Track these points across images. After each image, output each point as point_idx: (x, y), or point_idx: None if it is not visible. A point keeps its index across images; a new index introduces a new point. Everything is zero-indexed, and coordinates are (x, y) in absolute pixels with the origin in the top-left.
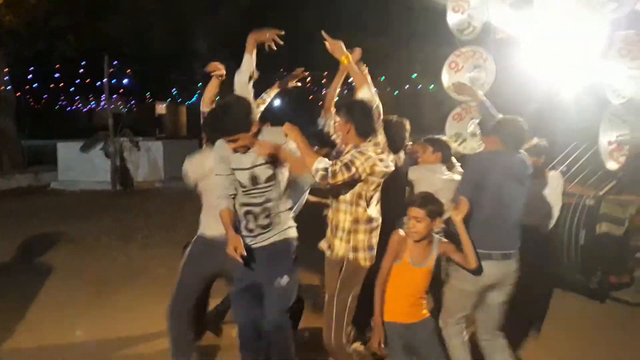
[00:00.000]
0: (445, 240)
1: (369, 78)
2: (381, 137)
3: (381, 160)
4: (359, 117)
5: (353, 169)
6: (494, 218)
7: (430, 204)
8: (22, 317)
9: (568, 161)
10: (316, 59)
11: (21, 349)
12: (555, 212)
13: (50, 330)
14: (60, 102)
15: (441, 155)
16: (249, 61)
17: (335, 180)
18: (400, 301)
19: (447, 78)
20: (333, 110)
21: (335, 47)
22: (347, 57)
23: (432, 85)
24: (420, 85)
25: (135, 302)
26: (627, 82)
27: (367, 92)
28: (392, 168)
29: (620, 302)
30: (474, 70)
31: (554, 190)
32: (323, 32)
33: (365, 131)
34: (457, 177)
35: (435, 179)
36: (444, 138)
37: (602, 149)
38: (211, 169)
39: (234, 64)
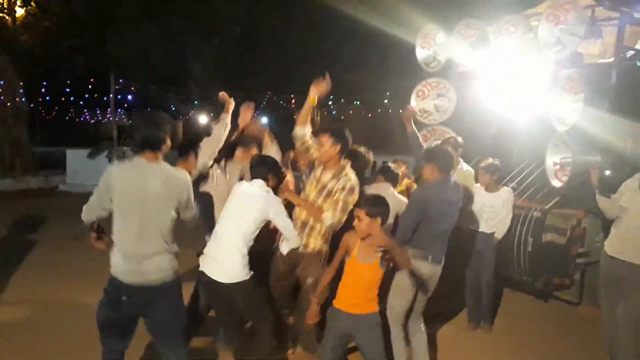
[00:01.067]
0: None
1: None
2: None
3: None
4: (345, 142)
5: (347, 210)
6: (430, 232)
7: (372, 205)
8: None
9: (519, 178)
10: (299, 84)
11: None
12: (507, 223)
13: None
14: (69, 114)
15: (384, 178)
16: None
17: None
18: (349, 292)
19: (414, 104)
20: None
21: (319, 88)
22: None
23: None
24: (391, 110)
25: None
26: (570, 113)
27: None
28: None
29: (562, 301)
30: (437, 98)
31: (506, 203)
32: (327, 76)
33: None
34: (398, 197)
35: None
36: (391, 165)
37: (548, 169)
38: None
39: (226, 85)
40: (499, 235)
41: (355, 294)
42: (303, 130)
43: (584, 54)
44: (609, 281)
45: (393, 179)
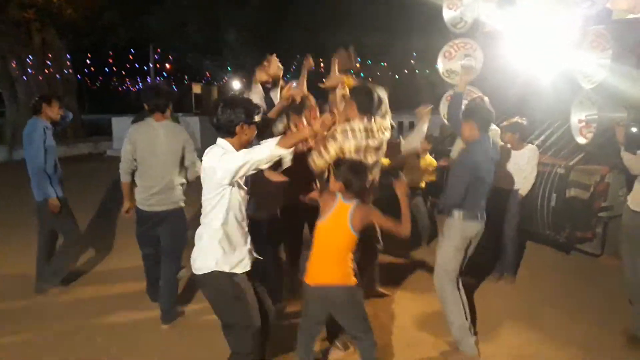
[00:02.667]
0: (363, 205)
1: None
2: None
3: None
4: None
5: (325, 157)
6: (480, 191)
7: (344, 165)
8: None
9: (544, 136)
10: (327, 47)
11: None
12: (531, 180)
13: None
14: (113, 84)
15: None
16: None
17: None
18: (315, 261)
19: (441, 65)
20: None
21: (331, 82)
22: (343, 82)
23: (428, 71)
24: (418, 71)
25: None
26: (597, 70)
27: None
28: None
29: (583, 253)
30: (464, 58)
31: (530, 161)
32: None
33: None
34: None
35: None
36: None
37: (573, 126)
38: None
39: (257, 51)
40: (523, 191)
41: (319, 260)
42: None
43: (613, 9)
44: (631, 234)
45: None
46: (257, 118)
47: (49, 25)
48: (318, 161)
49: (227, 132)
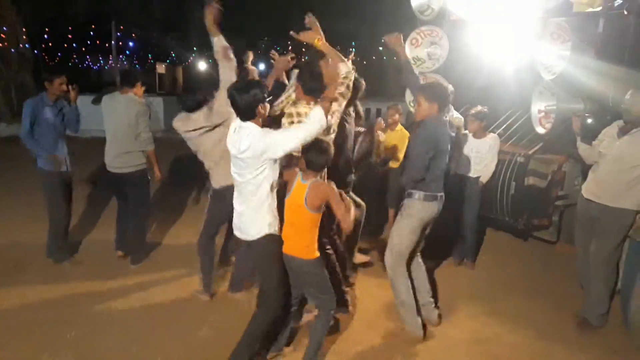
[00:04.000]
0: (321, 182)
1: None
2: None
3: None
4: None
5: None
6: (439, 171)
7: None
8: None
9: (505, 125)
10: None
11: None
12: (492, 168)
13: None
14: (72, 61)
15: None
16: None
17: None
18: (285, 233)
19: (408, 52)
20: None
21: (306, 36)
22: (318, 39)
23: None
24: (385, 57)
25: None
26: (557, 61)
27: (344, 67)
28: None
29: (540, 240)
30: (430, 46)
31: (491, 149)
32: (292, 33)
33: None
34: None
35: None
36: None
37: (533, 116)
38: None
39: (224, 31)
40: (484, 179)
41: (287, 233)
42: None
43: (573, 2)
44: (585, 221)
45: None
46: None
47: None
48: None
49: (251, 115)
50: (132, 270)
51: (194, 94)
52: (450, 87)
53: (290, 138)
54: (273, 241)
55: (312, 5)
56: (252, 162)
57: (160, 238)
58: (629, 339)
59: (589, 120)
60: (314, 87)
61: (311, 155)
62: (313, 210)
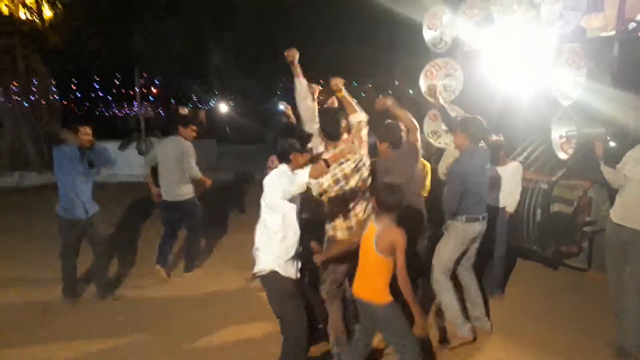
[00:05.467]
0: (394, 227)
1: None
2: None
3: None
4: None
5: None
6: (474, 198)
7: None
8: None
9: (525, 152)
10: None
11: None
12: (516, 196)
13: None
14: (99, 109)
15: None
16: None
17: None
18: (357, 274)
19: (423, 84)
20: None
21: (336, 83)
22: (341, 90)
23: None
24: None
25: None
26: (574, 87)
27: (359, 116)
28: None
29: (571, 268)
30: (446, 78)
31: (514, 177)
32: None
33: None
34: None
35: None
36: None
37: (554, 142)
38: None
39: (241, 73)
40: (510, 208)
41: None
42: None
43: (587, 27)
44: (615, 247)
45: None
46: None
47: (34, 52)
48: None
49: (285, 159)
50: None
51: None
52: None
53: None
54: (281, 278)
55: (329, 42)
56: (269, 196)
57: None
58: None
59: (611, 144)
60: (333, 134)
61: (382, 195)
62: (382, 254)
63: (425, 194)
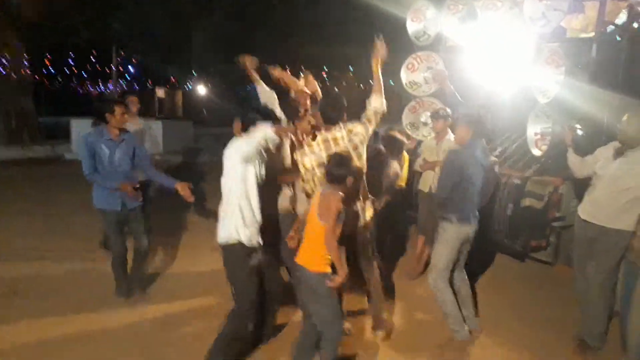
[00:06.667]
0: (331, 192)
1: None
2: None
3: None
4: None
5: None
6: (469, 194)
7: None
8: None
9: (501, 148)
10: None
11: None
12: (489, 191)
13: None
14: (73, 85)
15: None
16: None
17: None
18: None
19: (404, 76)
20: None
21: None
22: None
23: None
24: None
25: None
26: (551, 85)
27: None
28: None
29: (538, 261)
30: (427, 70)
31: (489, 173)
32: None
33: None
34: None
35: None
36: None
37: (529, 139)
38: None
39: (223, 58)
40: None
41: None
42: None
43: (567, 28)
44: (581, 243)
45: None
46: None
47: (7, 26)
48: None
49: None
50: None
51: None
52: (448, 110)
53: None
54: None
55: (311, 32)
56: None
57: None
58: None
59: (580, 132)
60: (334, 116)
61: (330, 167)
62: (322, 220)
63: (403, 184)
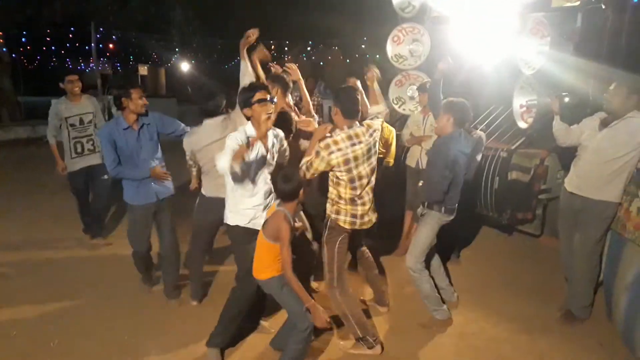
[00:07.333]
0: (279, 213)
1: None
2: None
3: (339, 149)
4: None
5: (312, 170)
6: (455, 186)
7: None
8: None
9: (487, 121)
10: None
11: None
12: (475, 164)
13: None
14: (52, 64)
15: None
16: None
17: (307, 176)
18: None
19: (390, 49)
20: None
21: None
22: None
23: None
24: (368, 55)
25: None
26: (537, 57)
27: (379, 107)
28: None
29: (524, 234)
30: (412, 43)
31: (477, 146)
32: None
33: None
34: None
35: None
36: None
37: (515, 111)
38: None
39: (204, 31)
40: (468, 176)
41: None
42: None
43: None
44: (567, 214)
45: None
46: None
47: None
48: (307, 174)
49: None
50: None
51: (214, 98)
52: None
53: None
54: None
55: (295, 2)
56: None
57: None
58: (613, 331)
59: (567, 99)
60: (355, 110)
61: (278, 184)
62: (269, 239)
63: (391, 160)
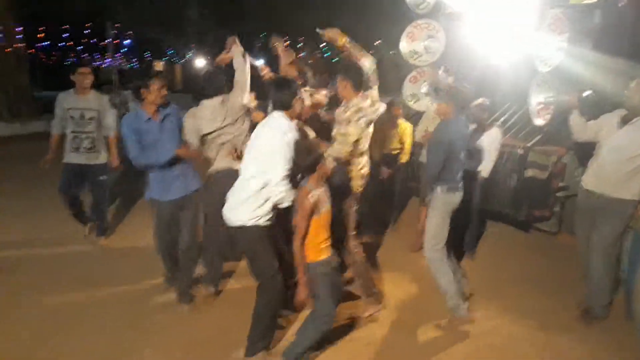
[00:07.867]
0: (303, 188)
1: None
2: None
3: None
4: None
5: (346, 146)
6: (456, 166)
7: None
8: None
9: (503, 118)
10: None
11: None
12: (492, 160)
13: None
14: (69, 59)
15: None
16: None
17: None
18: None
19: (405, 46)
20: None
21: (332, 35)
22: (343, 39)
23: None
24: (383, 52)
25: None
26: (554, 53)
27: (367, 61)
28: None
29: (541, 231)
30: (427, 39)
31: (494, 142)
32: (318, 30)
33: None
34: None
35: None
36: None
37: (531, 108)
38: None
39: (221, 28)
40: (485, 173)
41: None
42: None
43: None
44: (585, 212)
45: None
46: None
47: None
48: (344, 149)
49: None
50: None
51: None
52: (450, 80)
53: None
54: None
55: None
56: None
57: None
58: (632, 330)
59: (585, 94)
60: (362, 80)
61: (299, 157)
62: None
63: (406, 157)
